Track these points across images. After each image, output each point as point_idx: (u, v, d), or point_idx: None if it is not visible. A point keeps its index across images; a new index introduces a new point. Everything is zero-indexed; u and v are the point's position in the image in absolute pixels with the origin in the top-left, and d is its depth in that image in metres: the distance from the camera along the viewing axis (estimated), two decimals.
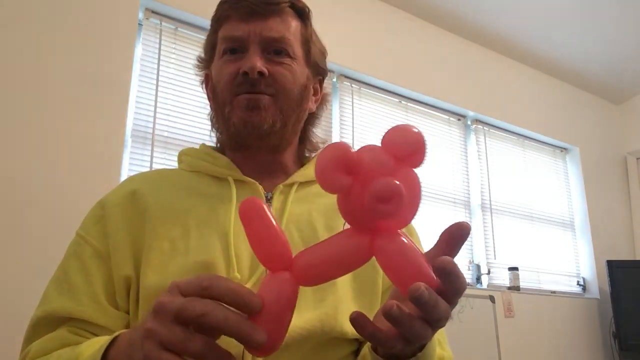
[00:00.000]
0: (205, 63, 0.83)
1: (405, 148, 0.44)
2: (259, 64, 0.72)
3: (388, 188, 0.42)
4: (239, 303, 0.44)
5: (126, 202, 0.71)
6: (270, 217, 0.47)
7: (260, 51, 0.73)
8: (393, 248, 0.45)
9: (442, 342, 0.63)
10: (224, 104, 0.75)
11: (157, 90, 2.18)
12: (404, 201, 0.42)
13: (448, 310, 0.44)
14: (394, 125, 0.45)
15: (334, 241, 0.47)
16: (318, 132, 0.87)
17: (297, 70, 0.76)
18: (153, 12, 2.26)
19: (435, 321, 0.44)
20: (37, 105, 1.85)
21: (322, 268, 0.47)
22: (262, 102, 0.72)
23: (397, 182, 0.42)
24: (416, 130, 0.44)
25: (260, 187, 0.74)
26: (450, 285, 0.44)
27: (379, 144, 0.44)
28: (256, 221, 0.47)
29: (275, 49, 0.74)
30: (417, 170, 0.45)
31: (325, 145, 0.87)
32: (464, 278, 0.45)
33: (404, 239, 0.45)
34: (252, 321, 0.44)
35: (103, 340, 0.53)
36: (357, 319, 0.46)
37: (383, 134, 0.45)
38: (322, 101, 0.85)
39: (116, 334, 0.52)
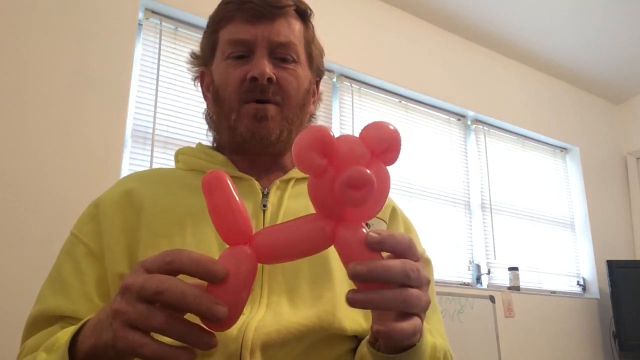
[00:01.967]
0: (201, 61, 0.82)
1: (381, 144, 0.45)
2: (268, 70, 0.71)
3: (361, 176, 0.43)
4: (203, 272, 0.44)
5: (121, 201, 0.71)
6: (233, 191, 0.48)
7: (267, 55, 0.73)
8: (353, 239, 0.45)
9: (432, 330, 0.63)
10: (230, 110, 0.74)
11: (157, 90, 2.18)
12: (374, 192, 0.43)
13: (406, 268, 0.45)
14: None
15: (296, 223, 0.48)
16: None
17: (302, 75, 0.76)
18: (153, 12, 2.26)
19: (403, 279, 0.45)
20: (37, 105, 1.85)
21: (281, 248, 0.47)
22: (270, 113, 0.72)
23: (370, 173, 0.43)
24: (392, 128, 0.46)
25: (257, 183, 0.74)
26: (393, 251, 0.46)
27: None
28: (218, 193, 0.47)
29: (281, 54, 0.74)
30: (391, 168, 0.47)
31: None
32: (393, 239, 0.46)
33: (365, 232, 0.46)
34: (211, 295, 0.44)
35: (75, 326, 0.53)
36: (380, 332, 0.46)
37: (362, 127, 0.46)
38: (318, 101, 0.86)
39: (86, 319, 0.52)
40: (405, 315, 0.47)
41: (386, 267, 0.44)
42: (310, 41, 0.79)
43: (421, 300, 0.47)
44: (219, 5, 0.78)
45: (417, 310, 0.47)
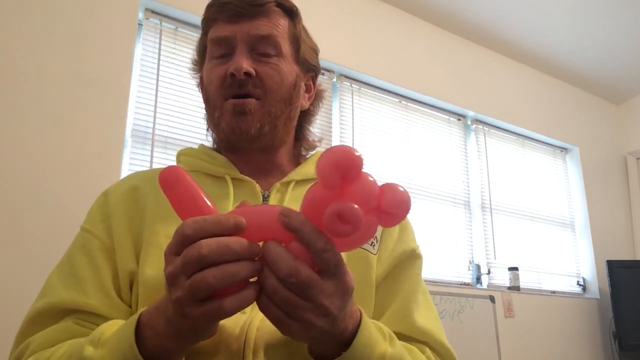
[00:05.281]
0: (199, 65, 0.84)
1: (389, 206, 0.47)
2: (246, 65, 0.72)
3: (353, 212, 0.45)
4: (227, 229, 0.46)
5: (127, 199, 0.72)
6: (192, 182, 0.49)
7: (247, 51, 0.74)
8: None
9: (392, 337, 0.61)
10: (214, 107, 0.75)
11: (157, 90, 2.18)
12: (356, 233, 0.46)
13: (283, 266, 0.46)
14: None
15: (272, 211, 0.49)
16: (317, 132, 0.87)
17: (285, 69, 0.76)
18: (153, 12, 2.26)
19: (289, 282, 0.46)
20: (37, 105, 1.85)
21: (252, 231, 0.48)
22: (249, 107, 0.72)
23: (361, 214, 0.45)
24: (408, 200, 0.47)
25: (257, 186, 0.74)
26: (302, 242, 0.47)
27: (381, 183, 0.47)
28: (179, 188, 0.49)
29: (263, 49, 0.74)
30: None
31: (321, 143, 0.87)
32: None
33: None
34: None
35: (122, 321, 0.54)
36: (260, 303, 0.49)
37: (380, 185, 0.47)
38: (317, 98, 0.85)
39: (135, 316, 0.53)
40: (289, 315, 0.48)
41: (266, 246, 0.47)
42: (297, 37, 0.79)
43: (293, 307, 0.47)
44: (205, 8, 0.79)
45: (290, 314, 0.47)
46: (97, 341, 0.54)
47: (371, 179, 0.46)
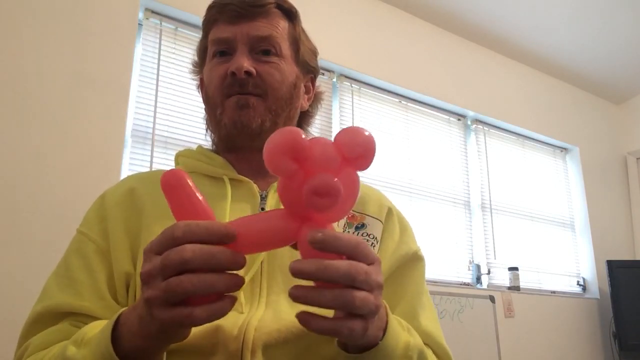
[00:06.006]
0: (200, 67, 0.84)
1: (353, 150, 0.45)
2: (247, 64, 0.73)
3: (327, 185, 0.43)
4: (218, 236, 0.46)
5: (125, 201, 0.72)
6: (193, 188, 0.49)
7: (247, 51, 0.75)
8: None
9: (410, 328, 0.63)
10: (215, 106, 0.76)
11: (157, 90, 2.19)
12: (339, 200, 0.44)
13: (350, 270, 0.45)
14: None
15: (266, 218, 0.49)
16: (317, 132, 0.87)
17: (286, 69, 0.77)
18: (153, 12, 2.26)
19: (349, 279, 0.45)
20: (37, 105, 1.85)
21: (248, 240, 0.48)
22: (251, 101, 0.73)
23: (336, 181, 0.44)
24: (367, 134, 0.46)
25: (255, 186, 0.75)
26: (338, 253, 0.46)
27: (332, 140, 0.46)
28: (179, 192, 0.48)
29: (263, 49, 0.75)
30: (361, 173, 0.47)
31: None
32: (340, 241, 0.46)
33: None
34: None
35: (107, 321, 0.53)
36: (301, 319, 0.47)
37: (338, 133, 0.46)
38: (316, 99, 0.86)
39: (116, 315, 0.53)
40: (351, 315, 0.47)
41: (325, 266, 0.45)
42: (297, 38, 0.80)
43: (366, 303, 0.46)
44: (206, 9, 0.79)
45: (360, 312, 0.47)
46: (80, 341, 0.55)
47: (321, 139, 0.45)
